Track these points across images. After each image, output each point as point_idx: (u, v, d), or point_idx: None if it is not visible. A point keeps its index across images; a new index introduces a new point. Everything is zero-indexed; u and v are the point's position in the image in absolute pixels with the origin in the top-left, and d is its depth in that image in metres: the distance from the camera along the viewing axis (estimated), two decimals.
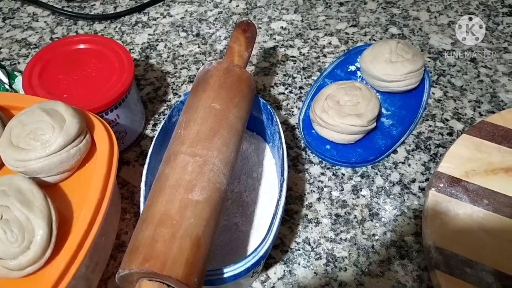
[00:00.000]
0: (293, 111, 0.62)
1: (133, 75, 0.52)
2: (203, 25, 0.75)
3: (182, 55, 0.70)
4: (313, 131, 0.58)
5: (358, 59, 0.64)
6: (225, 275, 0.37)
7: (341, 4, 0.78)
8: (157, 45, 0.71)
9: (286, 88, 0.65)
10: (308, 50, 0.70)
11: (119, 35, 0.73)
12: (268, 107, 0.49)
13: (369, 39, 0.72)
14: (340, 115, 0.54)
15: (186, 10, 0.77)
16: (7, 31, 0.74)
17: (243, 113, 0.43)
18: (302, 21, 0.75)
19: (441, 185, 0.51)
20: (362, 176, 0.55)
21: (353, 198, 0.53)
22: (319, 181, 0.55)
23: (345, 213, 0.52)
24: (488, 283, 0.44)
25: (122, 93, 0.50)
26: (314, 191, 0.54)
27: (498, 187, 0.51)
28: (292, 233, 0.50)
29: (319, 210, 0.52)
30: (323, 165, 0.56)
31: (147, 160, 0.44)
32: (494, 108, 0.62)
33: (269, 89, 0.65)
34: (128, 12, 0.76)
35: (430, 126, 0.60)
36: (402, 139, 0.57)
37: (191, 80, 0.66)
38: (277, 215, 0.40)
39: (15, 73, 0.61)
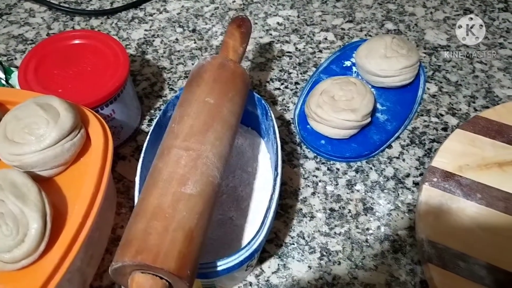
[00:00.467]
0: (288, 106, 0.62)
1: (128, 70, 0.53)
2: (200, 20, 0.75)
3: (178, 51, 0.70)
4: (308, 126, 0.58)
5: (354, 55, 0.64)
6: (219, 268, 0.38)
7: None
8: (153, 40, 0.72)
9: (282, 84, 0.65)
10: (304, 46, 0.70)
11: (116, 31, 0.73)
12: (263, 101, 0.49)
13: (365, 35, 0.72)
14: (335, 110, 0.54)
15: (182, 6, 0.77)
16: (4, 27, 0.74)
17: (237, 108, 0.44)
18: (298, 16, 0.75)
19: (435, 179, 0.51)
20: (356, 171, 0.55)
21: (347, 193, 0.53)
22: (313, 175, 0.55)
23: (340, 207, 0.52)
24: (481, 277, 0.45)
25: (117, 88, 0.51)
26: (308, 186, 0.54)
27: (492, 181, 0.51)
28: (286, 227, 0.51)
29: (314, 205, 0.52)
30: (318, 160, 0.57)
31: (142, 155, 0.44)
32: (489, 103, 0.62)
33: (264, 84, 0.65)
34: (124, 8, 0.76)
35: (425, 121, 0.60)
36: (396, 134, 0.58)
37: (187, 75, 0.66)
38: (271, 209, 0.40)
39: (12, 68, 0.61)
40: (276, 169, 0.43)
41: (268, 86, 0.65)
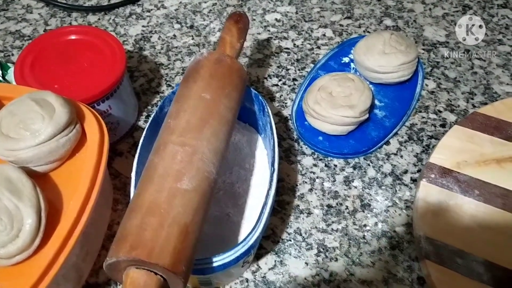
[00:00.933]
0: (286, 103, 0.62)
1: (125, 66, 0.52)
2: (197, 17, 0.75)
3: (176, 47, 0.70)
4: (306, 122, 0.58)
5: (352, 51, 0.63)
6: (215, 264, 0.37)
7: None
8: (151, 36, 0.71)
9: (280, 80, 0.65)
10: (302, 42, 0.70)
11: (113, 27, 0.73)
12: (260, 98, 0.49)
13: (364, 31, 0.72)
14: (333, 106, 0.54)
15: (180, 2, 0.77)
16: (1, 23, 0.74)
17: (234, 104, 0.43)
18: (296, 13, 0.75)
19: (433, 176, 0.51)
20: (354, 167, 0.55)
21: (345, 189, 0.53)
22: (311, 172, 0.55)
23: (337, 204, 0.52)
24: (479, 274, 0.44)
25: (113, 84, 0.50)
26: (306, 182, 0.54)
27: (490, 178, 0.51)
28: (283, 223, 0.50)
29: (311, 201, 0.52)
30: (315, 156, 0.56)
31: (138, 151, 0.44)
32: (487, 99, 0.62)
33: (262, 80, 0.65)
34: (122, 4, 0.76)
35: (423, 117, 0.60)
36: (394, 131, 0.58)
37: (185, 71, 0.65)
38: (267, 205, 0.40)
39: (9, 64, 0.61)
40: (272, 165, 0.43)
41: (266, 83, 0.65)
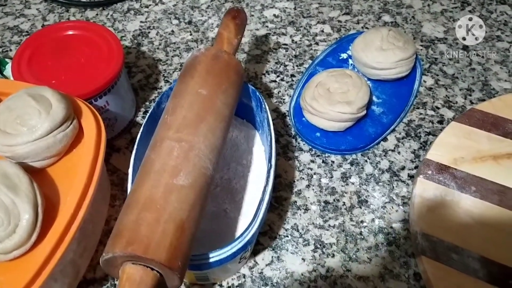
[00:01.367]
0: (284, 99, 0.62)
1: (123, 62, 0.52)
2: (196, 12, 0.74)
3: (174, 43, 0.69)
4: (303, 118, 0.58)
5: (350, 47, 0.63)
6: (211, 260, 0.38)
7: None
8: (149, 32, 0.71)
9: (278, 76, 0.65)
10: (300, 38, 0.70)
11: (111, 22, 0.73)
12: (257, 94, 0.49)
13: (362, 27, 0.72)
14: (330, 102, 0.54)
15: None
16: None
17: (231, 100, 0.43)
18: (295, 8, 0.75)
19: (429, 172, 0.51)
20: (351, 164, 0.55)
21: (342, 185, 0.53)
22: (308, 168, 0.55)
23: (334, 200, 0.52)
24: (475, 269, 0.45)
25: (111, 79, 0.50)
26: (303, 178, 0.54)
27: (486, 174, 0.51)
28: (280, 219, 0.51)
29: (308, 197, 0.52)
30: (313, 152, 0.56)
31: (135, 147, 0.44)
32: (485, 96, 0.62)
33: (260, 76, 0.65)
34: None
35: (421, 114, 0.60)
36: (392, 127, 0.58)
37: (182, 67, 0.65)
38: (264, 200, 0.40)
39: (6, 60, 0.61)
40: (270, 161, 0.43)
41: (264, 79, 0.65)
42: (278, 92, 0.63)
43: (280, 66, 0.66)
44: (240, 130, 0.54)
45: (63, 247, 0.36)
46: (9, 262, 0.36)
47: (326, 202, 0.52)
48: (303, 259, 0.48)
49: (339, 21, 0.73)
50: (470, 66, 0.66)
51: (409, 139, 0.58)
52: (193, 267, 0.38)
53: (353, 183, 0.53)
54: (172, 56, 0.67)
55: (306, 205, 0.52)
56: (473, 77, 0.64)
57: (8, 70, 0.59)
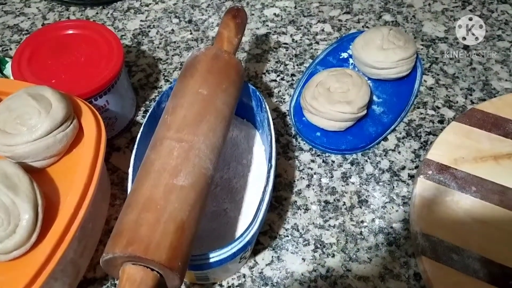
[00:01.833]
0: (284, 98, 0.62)
1: (123, 61, 0.52)
2: (196, 11, 0.74)
3: (174, 42, 0.69)
4: (303, 118, 0.58)
5: (351, 46, 0.63)
6: (211, 260, 0.38)
7: None
8: (149, 31, 0.71)
9: (278, 75, 0.65)
10: (301, 37, 0.70)
11: (111, 21, 0.73)
12: (257, 93, 0.49)
13: (362, 26, 0.72)
14: (330, 102, 0.54)
15: None
16: None
17: (231, 99, 0.43)
18: (295, 7, 0.75)
19: (430, 172, 0.51)
20: (352, 163, 0.55)
21: (342, 185, 0.53)
22: (309, 168, 0.55)
23: (334, 200, 0.52)
24: (475, 270, 0.45)
25: (111, 79, 0.50)
26: (303, 178, 0.54)
27: (487, 174, 0.51)
28: (280, 219, 0.51)
29: (308, 197, 0.52)
30: (313, 152, 0.56)
31: (135, 146, 0.44)
32: (486, 96, 0.62)
33: (261, 76, 0.65)
34: None
35: (421, 113, 0.60)
36: (392, 127, 0.58)
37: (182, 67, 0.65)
38: (264, 201, 0.40)
39: (6, 59, 0.61)
40: (270, 161, 0.43)
41: (264, 78, 0.64)
42: (279, 92, 0.63)
43: (280, 65, 0.66)
44: (240, 130, 0.54)
45: (63, 247, 0.36)
46: (9, 262, 0.36)
47: (326, 202, 0.52)
48: (303, 259, 0.48)
49: (340, 20, 0.73)
50: (470, 65, 0.66)
51: (410, 139, 0.58)
52: (193, 267, 0.38)
53: (353, 183, 0.53)
54: (172, 55, 0.67)
55: (306, 205, 0.52)
56: (473, 77, 0.64)
57: (8, 69, 0.59)
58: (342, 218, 0.51)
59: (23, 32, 0.71)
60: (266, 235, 0.49)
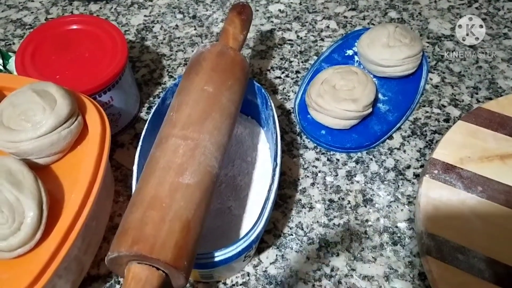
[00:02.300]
0: (289, 96, 0.62)
1: (127, 57, 0.52)
2: (200, 7, 0.74)
3: (178, 37, 0.69)
4: (308, 116, 0.57)
5: (356, 44, 0.63)
6: (216, 259, 0.37)
7: None
8: (153, 26, 0.71)
9: (283, 72, 0.64)
10: (306, 34, 0.69)
11: (115, 16, 0.72)
12: (263, 91, 0.48)
13: (368, 23, 0.71)
14: (336, 100, 0.53)
15: None
16: (2, 11, 0.73)
17: (236, 97, 0.43)
18: (300, 4, 0.74)
19: (436, 171, 0.51)
20: (356, 162, 0.55)
21: (347, 184, 0.53)
22: (313, 166, 0.54)
23: (339, 198, 0.52)
24: (480, 270, 0.44)
25: (115, 75, 0.50)
26: (308, 176, 0.54)
27: (493, 174, 0.51)
28: (285, 217, 0.50)
29: (313, 195, 0.52)
30: (318, 150, 0.56)
31: (140, 143, 0.44)
32: (492, 94, 0.61)
33: (265, 72, 0.64)
34: None
35: (427, 112, 0.60)
36: (398, 125, 0.57)
37: (187, 62, 0.65)
38: (269, 199, 0.40)
39: (10, 53, 0.60)
40: (275, 159, 0.43)
41: (268, 75, 0.64)
42: (283, 89, 0.62)
43: (285, 62, 0.66)
44: (245, 127, 0.54)
45: (68, 244, 0.36)
46: (14, 259, 0.36)
47: (331, 201, 0.52)
48: (308, 258, 0.47)
49: (345, 16, 0.72)
50: (477, 64, 0.65)
51: (415, 138, 0.57)
52: (198, 265, 0.38)
53: (358, 182, 0.53)
54: (177, 51, 0.67)
55: (311, 203, 0.51)
56: (479, 75, 0.64)
57: (11, 64, 0.59)
58: (346, 217, 0.50)
59: (26, 27, 0.71)
60: (271, 234, 0.49)
